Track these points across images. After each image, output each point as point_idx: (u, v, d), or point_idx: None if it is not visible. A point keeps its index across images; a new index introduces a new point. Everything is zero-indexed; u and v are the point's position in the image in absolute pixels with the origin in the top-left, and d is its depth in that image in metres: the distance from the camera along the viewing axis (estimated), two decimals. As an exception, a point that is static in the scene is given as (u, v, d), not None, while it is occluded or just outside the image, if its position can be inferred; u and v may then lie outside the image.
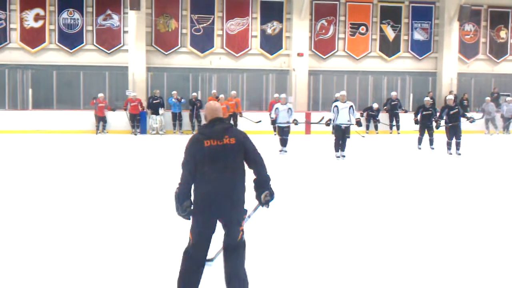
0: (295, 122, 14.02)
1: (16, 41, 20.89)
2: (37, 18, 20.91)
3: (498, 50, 24.00)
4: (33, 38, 20.91)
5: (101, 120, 19.61)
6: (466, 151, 14.17)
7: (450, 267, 4.94)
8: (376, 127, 20.89)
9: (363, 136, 18.29)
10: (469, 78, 23.37)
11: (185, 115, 20.03)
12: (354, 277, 4.64)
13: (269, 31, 22.27)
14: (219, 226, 3.87)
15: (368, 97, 22.23)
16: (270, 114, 15.02)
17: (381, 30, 23.05)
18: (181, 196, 3.84)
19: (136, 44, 20.96)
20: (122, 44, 21.36)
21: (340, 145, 12.93)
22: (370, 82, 22.55)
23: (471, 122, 14.78)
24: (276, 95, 20.09)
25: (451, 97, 14.28)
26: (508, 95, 22.18)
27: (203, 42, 21.83)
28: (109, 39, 21.34)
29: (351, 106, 13.05)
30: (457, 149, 13.86)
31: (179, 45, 21.78)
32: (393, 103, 21.03)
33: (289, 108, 13.97)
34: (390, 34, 23.14)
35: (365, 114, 20.66)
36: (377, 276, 4.68)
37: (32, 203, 7.51)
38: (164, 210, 7.18)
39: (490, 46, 23.95)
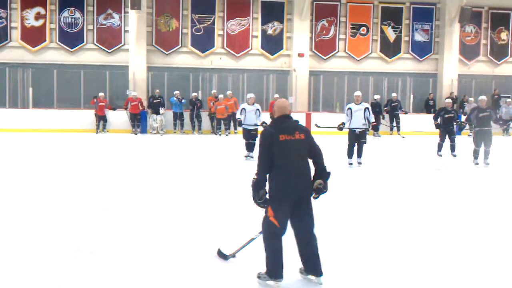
0: (264, 125, 12.28)
1: (16, 39, 20.89)
2: (38, 17, 20.91)
3: (498, 52, 24.00)
4: (33, 36, 20.92)
5: (101, 119, 19.61)
6: (496, 161, 12.30)
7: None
8: (377, 129, 20.81)
9: (403, 137, 18.23)
10: (470, 79, 23.36)
11: (186, 115, 20.03)
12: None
13: (269, 31, 22.27)
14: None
15: (369, 98, 22.19)
16: (235, 115, 13.69)
17: (382, 31, 23.04)
18: (258, 185, 4.24)
19: (137, 44, 20.96)
20: (122, 44, 21.36)
21: (353, 151, 11.72)
22: (371, 83, 22.54)
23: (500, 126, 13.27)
24: (276, 95, 20.09)
25: (483, 97, 12.47)
26: (509, 97, 22.17)
27: (203, 42, 21.83)
28: (110, 38, 21.34)
29: (367, 108, 11.83)
30: (485, 158, 12.06)
31: (180, 45, 21.78)
32: (393, 104, 21.00)
33: (257, 109, 12.63)
34: (391, 35, 23.13)
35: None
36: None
37: (32, 202, 7.50)
38: (164, 208, 7.18)
39: (491, 48, 23.94)
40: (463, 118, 13.40)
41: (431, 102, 22.24)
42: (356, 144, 11.69)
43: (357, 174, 10.96)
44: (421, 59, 23.41)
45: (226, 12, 21.89)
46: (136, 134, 19.54)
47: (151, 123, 19.95)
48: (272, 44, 22.31)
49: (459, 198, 8.52)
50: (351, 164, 11.66)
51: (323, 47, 22.63)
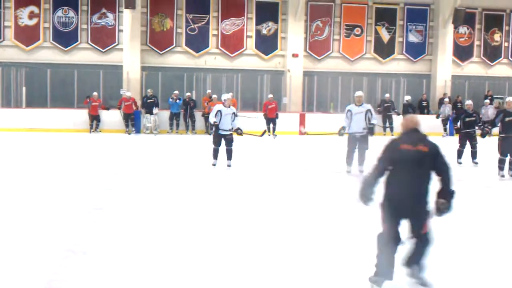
0: (239, 132, 11.43)
1: (10, 38, 20.81)
2: (31, 16, 20.84)
3: (492, 53, 24.08)
4: (27, 36, 20.84)
5: (94, 119, 19.56)
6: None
7: None
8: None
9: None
10: (463, 80, 23.43)
11: (181, 115, 20.02)
12: None
13: (264, 31, 22.28)
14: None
15: (363, 99, 22.20)
16: (209, 118, 11.88)
17: (376, 32, 23.09)
18: (368, 184, 4.43)
19: (131, 43, 20.92)
20: (116, 43, 21.32)
21: (353, 157, 10.64)
22: (365, 84, 22.55)
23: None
24: (270, 95, 20.06)
25: (511, 99, 10.90)
26: (502, 98, 22.26)
27: (198, 42, 21.81)
28: (104, 38, 21.29)
29: (368, 110, 10.82)
30: (511, 169, 10.74)
31: (174, 45, 21.75)
32: (386, 105, 21.08)
33: (233, 113, 11.33)
34: (385, 36, 23.19)
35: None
36: None
37: (24, 202, 7.48)
38: (157, 208, 7.17)
39: (484, 49, 24.03)
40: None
41: (424, 103, 22.30)
42: (356, 150, 10.52)
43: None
44: (415, 60, 23.47)
45: (221, 12, 21.88)
46: (129, 134, 19.50)
47: (145, 123, 19.93)
48: (267, 44, 22.32)
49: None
50: (349, 172, 10.54)
51: (317, 47, 22.65)
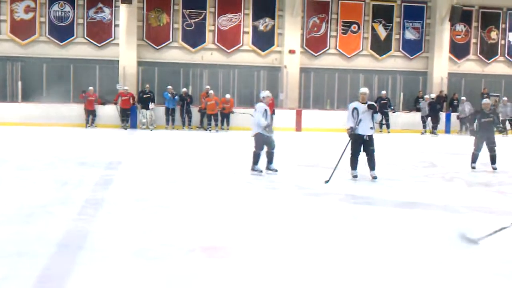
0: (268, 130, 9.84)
1: (6, 33, 20.73)
2: (27, 10, 20.75)
3: (488, 51, 24.13)
4: (23, 30, 20.76)
5: (90, 113, 19.54)
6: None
7: None
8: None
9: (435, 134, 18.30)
10: (460, 78, 23.47)
11: (178, 110, 20.01)
12: None
13: (261, 27, 22.25)
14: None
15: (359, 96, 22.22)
16: (258, 120, 9.88)
17: (373, 29, 23.11)
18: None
19: (127, 38, 20.86)
20: (113, 38, 21.26)
21: (358, 160, 9.40)
22: (361, 81, 22.57)
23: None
24: (266, 91, 19.94)
25: None
26: (498, 96, 22.31)
27: (194, 37, 21.77)
28: (100, 33, 21.23)
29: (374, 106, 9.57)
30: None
31: (171, 40, 21.71)
32: (382, 101, 21.09)
33: (265, 109, 10.00)
34: (382, 33, 23.20)
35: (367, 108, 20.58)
36: None
37: (19, 196, 7.45)
38: (153, 203, 7.16)
39: (481, 47, 24.07)
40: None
41: (420, 100, 22.35)
42: (362, 152, 9.37)
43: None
44: (411, 57, 23.49)
45: (218, 8, 21.83)
46: (125, 129, 19.48)
47: (140, 118, 19.91)
48: (263, 40, 22.29)
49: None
50: (355, 176, 9.34)
51: (314, 44, 22.64)
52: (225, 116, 19.81)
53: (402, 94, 22.86)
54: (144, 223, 6.09)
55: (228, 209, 7.04)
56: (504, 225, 5.01)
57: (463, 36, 23.88)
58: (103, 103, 19.86)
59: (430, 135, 20.44)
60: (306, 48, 22.54)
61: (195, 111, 20.10)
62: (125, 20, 20.77)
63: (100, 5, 21.13)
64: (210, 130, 19.49)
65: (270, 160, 9.91)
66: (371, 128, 9.30)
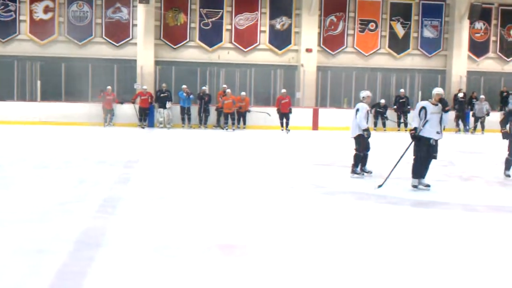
0: (367, 134, 9.40)
1: (25, 32, 20.97)
2: (46, 10, 20.97)
3: (508, 49, 23.83)
4: (42, 30, 20.98)
5: (108, 112, 19.69)
6: None
7: None
8: (384, 124, 20.85)
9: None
10: (479, 76, 23.22)
11: (193, 109, 20.08)
12: None
13: (278, 26, 22.22)
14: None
15: (377, 95, 22.08)
16: (361, 122, 9.39)
17: (391, 27, 22.94)
18: None
19: (145, 38, 20.98)
20: (130, 37, 21.40)
21: (425, 168, 8.42)
22: (379, 79, 22.46)
23: None
24: (283, 90, 20.04)
25: None
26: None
27: (211, 37, 21.82)
28: (118, 32, 21.38)
29: (441, 108, 8.49)
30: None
31: (188, 39, 21.79)
32: (401, 100, 20.98)
33: (368, 110, 9.69)
34: (400, 31, 23.03)
35: (372, 111, 20.54)
36: None
37: (35, 195, 7.52)
38: (169, 202, 7.18)
39: (500, 45, 23.78)
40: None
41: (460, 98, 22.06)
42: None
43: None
44: (430, 56, 23.30)
45: (234, 7, 21.86)
46: (143, 127, 19.60)
47: (157, 117, 20.02)
48: (280, 39, 22.27)
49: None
50: (428, 186, 8.33)
51: (331, 42, 22.55)
52: (242, 115, 19.89)
53: (420, 92, 22.64)
54: (161, 221, 6.11)
55: (245, 207, 7.04)
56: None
57: (482, 34, 23.62)
58: (121, 102, 20.00)
59: (463, 134, 20.57)
60: (323, 46, 22.46)
61: (212, 110, 20.17)
62: (142, 20, 20.89)
63: (118, 4, 21.28)
64: (227, 129, 19.51)
65: (364, 163, 9.66)
66: (437, 132, 8.25)
